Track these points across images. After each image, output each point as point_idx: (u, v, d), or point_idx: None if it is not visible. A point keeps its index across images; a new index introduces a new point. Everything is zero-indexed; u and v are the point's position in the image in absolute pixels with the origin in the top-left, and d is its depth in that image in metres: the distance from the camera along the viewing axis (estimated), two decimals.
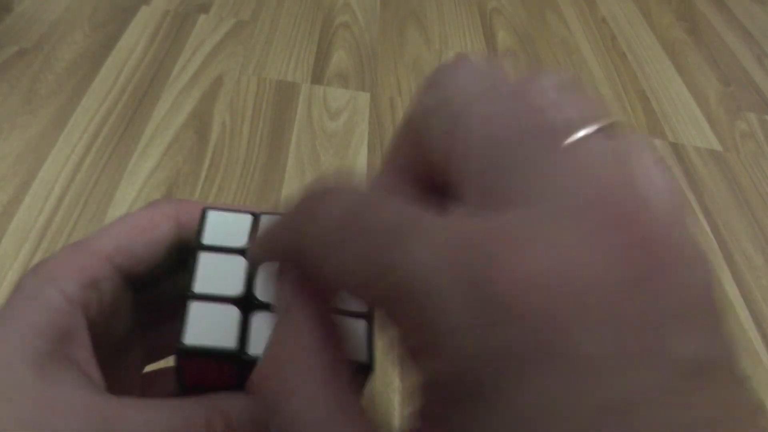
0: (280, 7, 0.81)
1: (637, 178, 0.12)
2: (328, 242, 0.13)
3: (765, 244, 0.61)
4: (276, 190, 0.56)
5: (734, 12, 1.02)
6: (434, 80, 0.14)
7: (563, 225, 0.11)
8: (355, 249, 0.12)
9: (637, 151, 0.13)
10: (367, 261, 0.12)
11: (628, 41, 0.89)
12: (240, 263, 0.19)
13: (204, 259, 0.19)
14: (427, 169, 0.14)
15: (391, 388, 0.42)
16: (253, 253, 0.18)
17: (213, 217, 0.20)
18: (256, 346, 0.17)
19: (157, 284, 0.21)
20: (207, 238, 0.19)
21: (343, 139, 0.63)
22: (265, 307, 0.18)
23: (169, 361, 0.22)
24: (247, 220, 0.20)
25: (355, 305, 0.17)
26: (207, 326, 0.17)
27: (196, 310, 0.18)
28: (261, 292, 0.18)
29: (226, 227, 0.20)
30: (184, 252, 0.20)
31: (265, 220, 0.20)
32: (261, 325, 0.18)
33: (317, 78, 0.70)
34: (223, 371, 0.17)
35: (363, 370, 0.17)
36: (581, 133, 0.13)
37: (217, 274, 0.18)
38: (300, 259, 0.14)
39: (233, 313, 0.18)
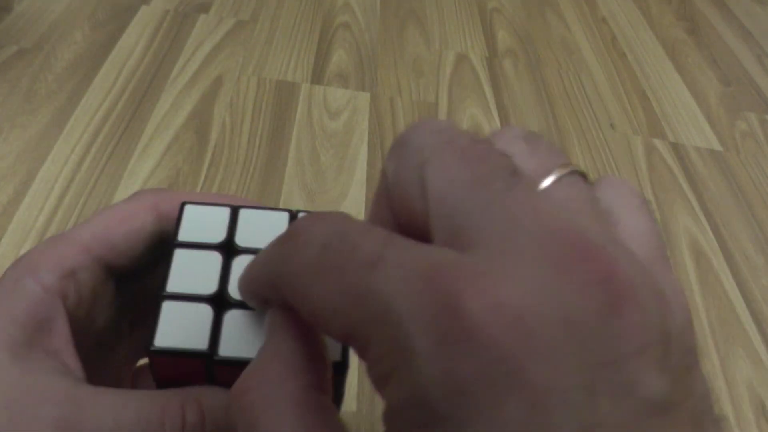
0: (280, 7, 0.81)
1: (599, 220, 0.13)
2: (307, 272, 0.13)
3: (765, 244, 0.61)
4: (276, 190, 0.56)
5: (734, 12, 1.02)
6: (400, 140, 0.15)
7: (526, 261, 0.11)
8: (332, 277, 0.12)
9: (603, 195, 0.14)
10: (344, 289, 0.12)
11: (628, 41, 0.89)
12: (215, 259, 0.19)
13: (179, 257, 0.19)
14: (406, 222, 0.15)
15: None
16: (239, 287, 0.18)
17: (191, 212, 0.20)
18: (227, 346, 0.17)
19: (141, 277, 0.21)
20: (183, 234, 0.19)
21: (343, 139, 0.63)
22: (238, 305, 0.18)
23: None
24: (225, 214, 0.20)
25: None
26: (179, 326, 0.17)
27: (168, 309, 0.18)
28: (234, 290, 0.18)
29: (204, 222, 0.19)
30: (166, 244, 0.20)
31: (244, 215, 0.20)
32: (234, 323, 0.18)
33: (317, 78, 0.70)
34: (195, 369, 0.17)
35: (338, 367, 0.17)
36: (548, 180, 0.13)
37: (192, 271, 0.18)
38: (282, 291, 0.14)
39: (206, 311, 0.18)
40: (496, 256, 0.11)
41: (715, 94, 0.82)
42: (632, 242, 0.13)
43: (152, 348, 0.17)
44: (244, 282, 0.17)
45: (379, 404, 0.42)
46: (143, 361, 0.24)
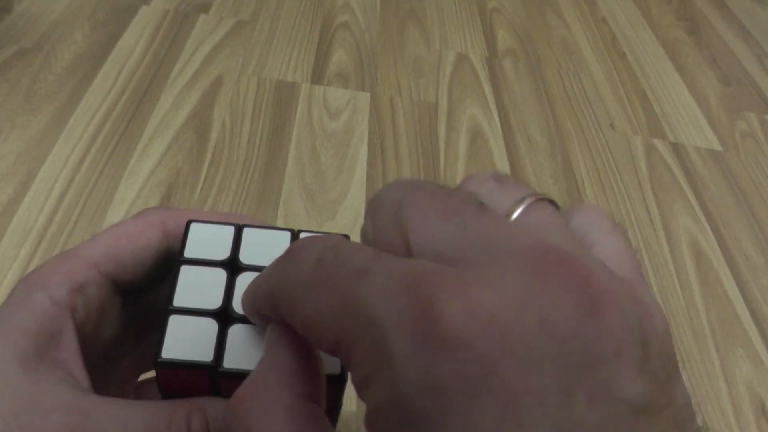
0: (280, 7, 0.81)
1: (572, 238, 0.14)
2: (301, 285, 0.14)
3: (765, 244, 0.61)
4: (276, 190, 0.56)
5: (734, 12, 1.02)
6: (373, 201, 0.16)
7: (503, 270, 0.12)
8: (323, 288, 0.13)
9: (576, 221, 0.15)
10: (334, 298, 0.13)
11: (628, 41, 0.89)
12: (220, 276, 0.20)
13: (185, 273, 0.19)
14: None
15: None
16: (242, 305, 0.18)
17: (196, 230, 0.20)
18: (231, 359, 0.18)
19: (147, 292, 0.22)
20: (189, 251, 0.20)
21: (343, 139, 0.63)
22: (241, 320, 0.19)
23: None
24: (230, 232, 0.21)
25: None
26: (185, 339, 0.18)
27: (174, 323, 0.18)
28: (238, 306, 0.19)
29: (209, 240, 0.20)
30: (172, 260, 0.21)
31: (248, 234, 0.21)
32: (237, 337, 0.18)
33: (317, 78, 0.70)
34: (200, 381, 0.18)
35: (337, 380, 0.18)
36: (519, 209, 0.14)
37: (197, 287, 0.19)
38: (279, 307, 0.15)
39: (211, 325, 0.18)
40: (473, 267, 0.12)
41: (715, 94, 0.82)
42: (608, 262, 0.13)
43: (159, 360, 0.18)
44: (246, 300, 0.18)
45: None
46: (145, 376, 0.24)
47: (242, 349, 0.18)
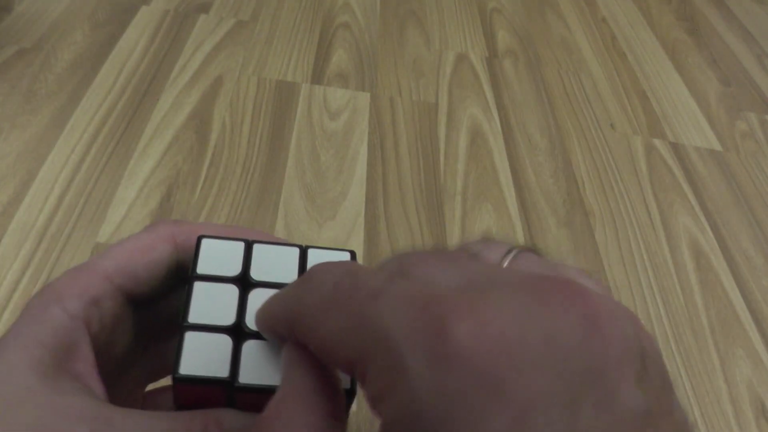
0: (280, 7, 0.81)
1: (562, 268, 0.16)
2: (319, 307, 0.15)
3: (765, 244, 0.61)
4: (276, 190, 0.56)
5: (734, 12, 1.02)
6: (377, 264, 0.17)
7: (507, 295, 0.13)
8: (340, 309, 0.14)
9: (556, 263, 0.16)
10: (350, 317, 0.14)
11: (628, 41, 0.89)
12: (233, 292, 0.20)
13: (198, 289, 0.20)
14: None
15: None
16: (256, 322, 0.19)
17: (207, 246, 0.21)
18: (246, 374, 0.18)
19: (157, 303, 0.22)
20: (201, 268, 0.20)
21: (343, 139, 0.63)
22: (255, 335, 0.19)
23: (168, 381, 0.23)
24: (240, 248, 0.21)
25: None
26: (200, 355, 0.19)
27: (190, 339, 0.19)
28: (252, 322, 0.19)
29: (220, 256, 0.21)
30: (182, 273, 0.22)
31: (258, 250, 0.21)
32: (251, 352, 0.19)
33: (317, 78, 0.70)
34: (215, 395, 0.19)
35: (347, 394, 0.19)
36: (507, 259, 0.16)
37: (211, 303, 0.20)
38: (296, 329, 0.16)
39: (226, 341, 0.19)
40: (479, 294, 0.13)
41: (715, 94, 0.82)
42: (584, 281, 0.15)
43: (177, 376, 0.18)
44: (262, 318, 0.18)
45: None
46: (152, 386, 0.25)
47: (256, 364, 0.18)
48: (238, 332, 0.19)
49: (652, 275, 0.56)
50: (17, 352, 0.18)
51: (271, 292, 0.19)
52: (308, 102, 0.67)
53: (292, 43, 0.75)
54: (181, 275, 0.22)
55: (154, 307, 0.23)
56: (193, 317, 0.19)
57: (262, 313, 0.18)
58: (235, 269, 0.20)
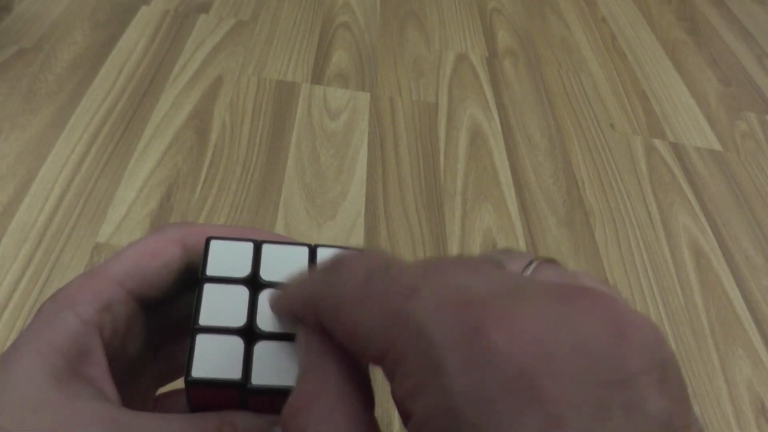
0: (280, 7, 0.81)
1: (584, 278, 0.16)
2: (352, 297, 0.15)
3: (765, 244, 0.61)
4: (276, 190, 0.56)
5: (734, 12, 1.02)
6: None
7: (538, 302, 0.13)
8: (374, 302, 0.14)
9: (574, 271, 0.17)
10: (384, 312, 0.14)
11: (628, 41, 0.89)
12: (243, 293, 0.20)
13: (208, 291, 0.20)
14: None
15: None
16: (272, 303, 0.19)
17: (216, 247, 0.21)
18: (259, 375, 0.18)
19: (167, 306, 0.23)
20: (210, 269, 0.20)
21: (343, 139, 0.63)
22: (266, 337, 0.19)
23: (178, 383, 0.23)
24: (249, 249, 0.21)
25: None
26: (212, 358, 0.19)
27: (201, 342, 0.19)
28: (263, 322, 0.19)
29: (229, 257, 0.21)
30: (192, 275, 0.22)
31: (267, 250, 0.21)
32: (263, 354, 0.19)
33: (317, 78, 0.70)
34: (228, 397, 0.19)
35: None
36: (530, 269, 0.17)
37: (221, 305, 0.20)
38: (322, 314, 0.16)
39: (237, 343, 0.19)
40: (512, 300, 0.13)
41: (715, 94, 0.82)
42: (606, 289, 0.16)
43: (189, 379, 0.18)
44: (282, 300, 0.18)
45: (382, 404, 0.42)
46: (162, 390, 0.25)
47: (269, 366, 0.18)
48: (249, 333, 0.19)
49: (652, 275, 0.56)
50: (32, 358, 0.18)
51: None
52: (308, 102, 0.67)
53: (292, 43, 0.75)
54: (191, 277, 0.22)
55: (165, 309, 0.23)
56: (203, 319, 0.19)
57: (283, 294, 0.18)
58: (244, 270, 0.20)
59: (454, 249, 0.54)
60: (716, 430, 0.45)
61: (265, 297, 0.20)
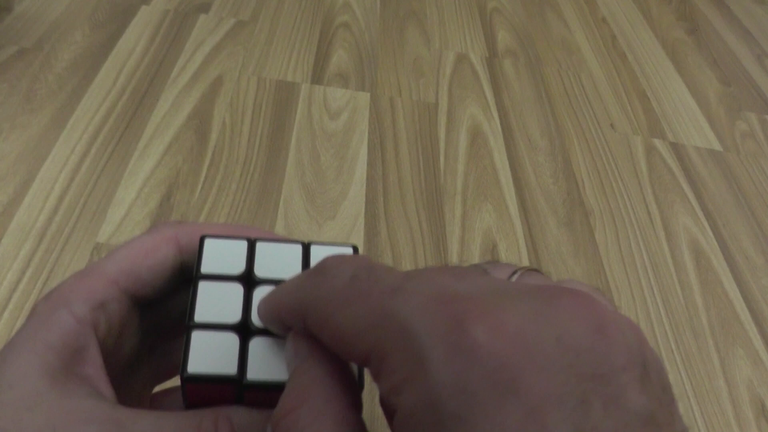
0: (280, 7, 0.81)
1: (568, 283, 0.16)
2: (337, 299, 0.15)
3: (765, 244, 0.61)
4: (276, 190, 0.56)
5: (734, 12, 1.02)
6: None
7: (520, 300, 0.13)
8: (359, 302, 0.14)
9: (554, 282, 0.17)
10: (369, 311, 0.14)
11: (628, 41, 0.89)
12: (237, 290, 0.20)
13: (203, 288, 0.20)
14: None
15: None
16: (260, 311, 0.19)
17: (210, 246, 0.21)
18: (254, 370, 0.19)
19: (161, 304, 0.23)
20: (205, 267, 0.21)
21: (343, 139, 0.63)
22: (261, 332, 0.19)
23: (174, 381, 0.23)
24: (243, 247, 0.21)
25: None
26: (208, 353, 0.19)
27: (197, 338, 0.19)
28: (258, 318, 0.19)
29: (224, 255, 0.21)
30: (186, 273, 0.22)
31: (261, 247, 0.21)
32: (258, 349, 0.19)
33: (317, 78, 0.70)
34: (224, 391, 0.19)
35: None
36: (515, 277, 0.17)
37: (216, 302, 0.20)
38: (308, 318, 0.16)
39: (232, 339, 0.19)
40: (495, 297, 0.14)
41: (715, 94, 0.82)
42: (588, 291, 0.16)
43: (185, 374, 0.18)
44: (269, 308, 0.18)
45: (376, 403, 0.42)
46: (157, 389, 0.25)
47: (264, 361, 0.19)
48: (244, 330, 0.19)
49: (652, 275, 0.56)
50: (27, 357, 0.18)
51: None
52: (308, 102, 0.67)
53: (292, 43, 0.75)
54: (185, 276, 0.22)
55: (159, 308, 0.23)
56: (199, 316, 0.19)
57: (269, 303, 0.18)
58: (239, 267, 0.20)
59: (454, 249, 0.54)
60: (716, 430, 0.45)
61: (259, 294, 0.20)
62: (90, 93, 0.62)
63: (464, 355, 0.12)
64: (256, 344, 0.19)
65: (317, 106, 0.66)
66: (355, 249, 0.21)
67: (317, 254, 0.21)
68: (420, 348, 0.13)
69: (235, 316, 0.19)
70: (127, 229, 0.50)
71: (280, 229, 0.53)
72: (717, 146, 0.73)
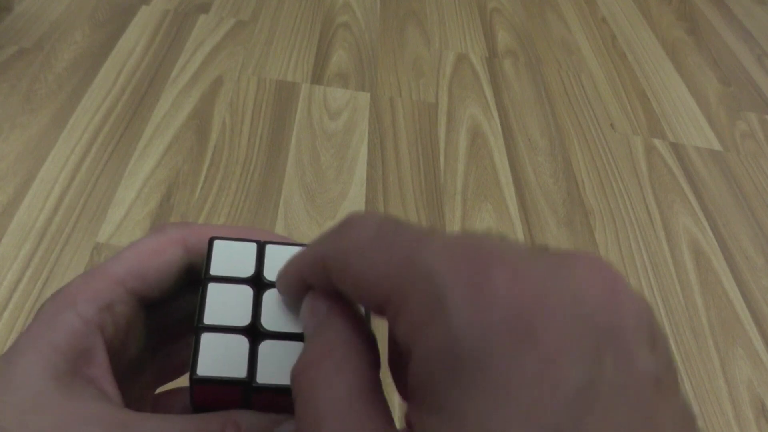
0: (280, 7, 0.81)
1: (577, 250, 0.17)
2: (361, 248, 0.15)
3: (765, 244, 0.61)
4: (276, 190, 0.56)
5: (734, 12, 1.02)
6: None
7: (535, 259, 0.14)
8: (383, 251, 0.15)
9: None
10: (393, 259, 0.15)
11: (628, 41, 0.89)
12: (247, 292, 0.20)
13: (212, 290, 0.20)
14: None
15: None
16: (281, 272, 0.19)
17: (219, 248, 0.21)
18: (264, 374, 0.19)
19: (166, 306, 0.23)
20: (214, 269, 0.21)
21: (343, 139, 0.63)
22: (271, 336, 0.19)
23: (176, 383, 0.23)
24: (252, 249, 0.21)
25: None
26: (217, 356, 0.19)
27: (206, 340, 0.19)
28: (268, 322, 0.20)
29: (233, 257, 0.21)
30: (192, 275, 0.22)
31: (270, 250, 0.21)
32: (268, 352, 0.19)
33: (317, 78, 0.70)
34: (233, 395, 0.19)
35: None
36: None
37: (225, 304, 0.20)
38: (331, 267, 0.16)
39: (242, 342, 0.19)
40: (516, 252, 0.14)
41: (715, 94, 0.82)
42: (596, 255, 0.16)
43: (195, 377, 0.18)
44: (290, 268, 0.19)
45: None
46: (160, 390, 0.25)
47: (274, 364, 0.19)
48: (254, 332, 0.19)
49: (652, 275, 0.56)
50: (32, 358, 0.18)
51: None
52: (308, 102, 0.67)
53: (292, 43, 0.75)
54: (191, 277, 0.22)
55: (164, 309, 0.23)
56: (208, 318, 0.19)
57: (290, 264, 0.19)
58: (248, 270, 0.20)
59: None
60: (716, 430, 0.45)
61: (269, 297, 0.20)
62: (90, 93, 0.62)
63: (484, 300, 0.13)
64: (266, 348, 0.19)
65: (317, 106, 0.66)
66: None
67: None
68: (441, 290, 0.13)
69: (244, 318, 0.19)
70: (127, 229, 0.50)
71: (280, 229, 0.53)
72: (717, 146, 0.73)
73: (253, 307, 0.20)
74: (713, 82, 0.84)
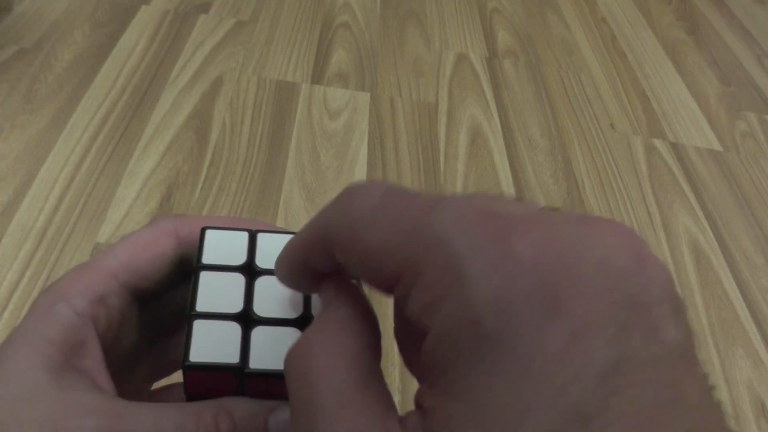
0: (280, 7, 0.81)
1: (591, 215, 0.15)
2: (367, 218, 0.14)
3: (765, 244, 0.61)
4: (276, 190, 0.56)
5: (734, 12, 1.02)
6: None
7: (559, 223, 0.13)
8: (391, 220, 0.14)
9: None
10: (401, 228, 0.13)
11: (628, 41, 0.89)
12: (239, 280, 0.20)
13: (204, 278, 0.20)
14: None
15: (391, 362, 0.42)
16: (280, 256, 0.18)
17: (211, 237, 0.21)
18: (257, 359, 0.18)
19: (161, 298, 0.23)
20: (206, 258, 0.20)
21: (343, 139, 0.63)
22: (263, 322, 0.19)
23: (173, 378, 0.23)
24: (244, 238, 0.21)
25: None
26: (210, 343, 0.19)
27: (198, 327, 0.19)
28: (260, 308, 0.19)
29: (225, 246, 0.21)
30: (185, 267, 0.22)
31: (262, 238, 0.21)
32: (261, 338, 0.19)
33: (317, 78, 0.70)
34: (226, 382, 0.19)
35: None
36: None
37: (218, 292, 0.20)
38: (336, 241, 0.15)
39: (234, 328, 0.19)
40: (537, 216, 0.13)
41: (715, 94, 0.82)
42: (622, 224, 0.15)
43: (187, 363, 0.18)
44: (292, 247, 0.18)
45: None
46: (158, 384, 0.25)
47: (266, 350, 0.19)
48: (246, 319, 0.19)
49: None
50: (26, 350, 0.18)
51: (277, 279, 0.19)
52: (308, 102, 0.67)
53: (292, 43, 0.75)
54: (185, 269, 0.22)
55: (159, 302, 0.23)
56: (200, 306, 0.19)
57: (290, 246, 0.18)
58: (240, 258, 0.20)
59: None
60: None
61: (261, 284, 0.20)
62: (90, 93, 0.62)
63: (506, 270, 0.12)
64: (258, 334, 0.19)
65: (317, 106, 0.66)
66: None
67: None
68: (459, 262, 0.12)
69: (236, 305, 0.19)
70: (127, 229, 0.50)
71: None
72: (717, 146, 0.73)
73: (245, 294, 0.20)
74: (713, 82, 0.84)
